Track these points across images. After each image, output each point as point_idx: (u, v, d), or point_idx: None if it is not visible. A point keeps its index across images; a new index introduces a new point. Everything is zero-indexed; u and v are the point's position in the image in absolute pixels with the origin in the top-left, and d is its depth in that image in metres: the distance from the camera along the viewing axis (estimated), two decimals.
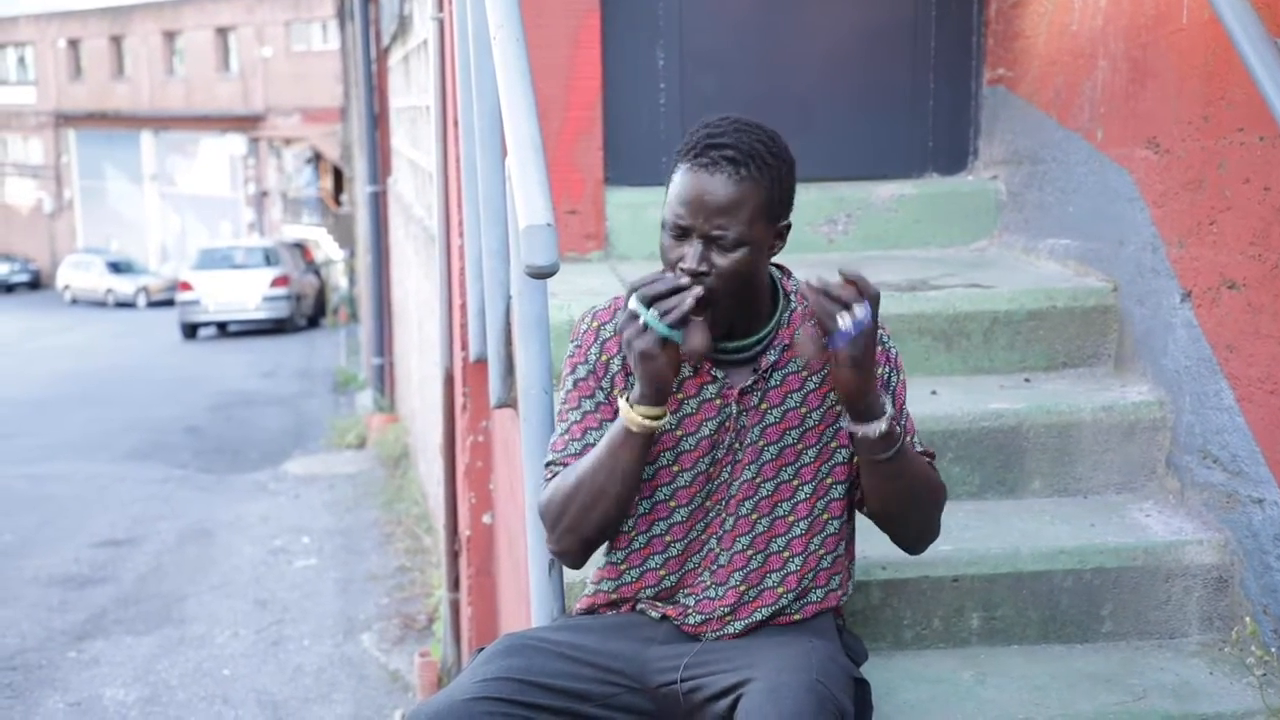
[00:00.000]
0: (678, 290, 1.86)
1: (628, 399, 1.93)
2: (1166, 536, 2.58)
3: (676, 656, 2.03)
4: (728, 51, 3.87)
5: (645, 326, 1.85)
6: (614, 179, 3.77)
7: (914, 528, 2.11)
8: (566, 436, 2.07)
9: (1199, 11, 2.65)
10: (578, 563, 2.08)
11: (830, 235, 3.79)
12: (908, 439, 2.03)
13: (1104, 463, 2.80)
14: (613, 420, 2.03)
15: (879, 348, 2.08)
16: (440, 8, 4.73)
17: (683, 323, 1.85)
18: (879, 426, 1.92)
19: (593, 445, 2.03)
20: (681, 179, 1.93)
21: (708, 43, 3.85)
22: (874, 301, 1.84)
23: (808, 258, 3.64)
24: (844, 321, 1.82)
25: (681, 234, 1.93)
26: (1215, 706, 2.27)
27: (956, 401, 2.82)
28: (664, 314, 1.84)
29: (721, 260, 1.91)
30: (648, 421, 1.92)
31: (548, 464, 2.09)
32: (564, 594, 2.29)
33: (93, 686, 6.04)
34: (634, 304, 1.86)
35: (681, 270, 1.91)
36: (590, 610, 2.15)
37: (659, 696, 2.02)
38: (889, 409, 1.95)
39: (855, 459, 2.05)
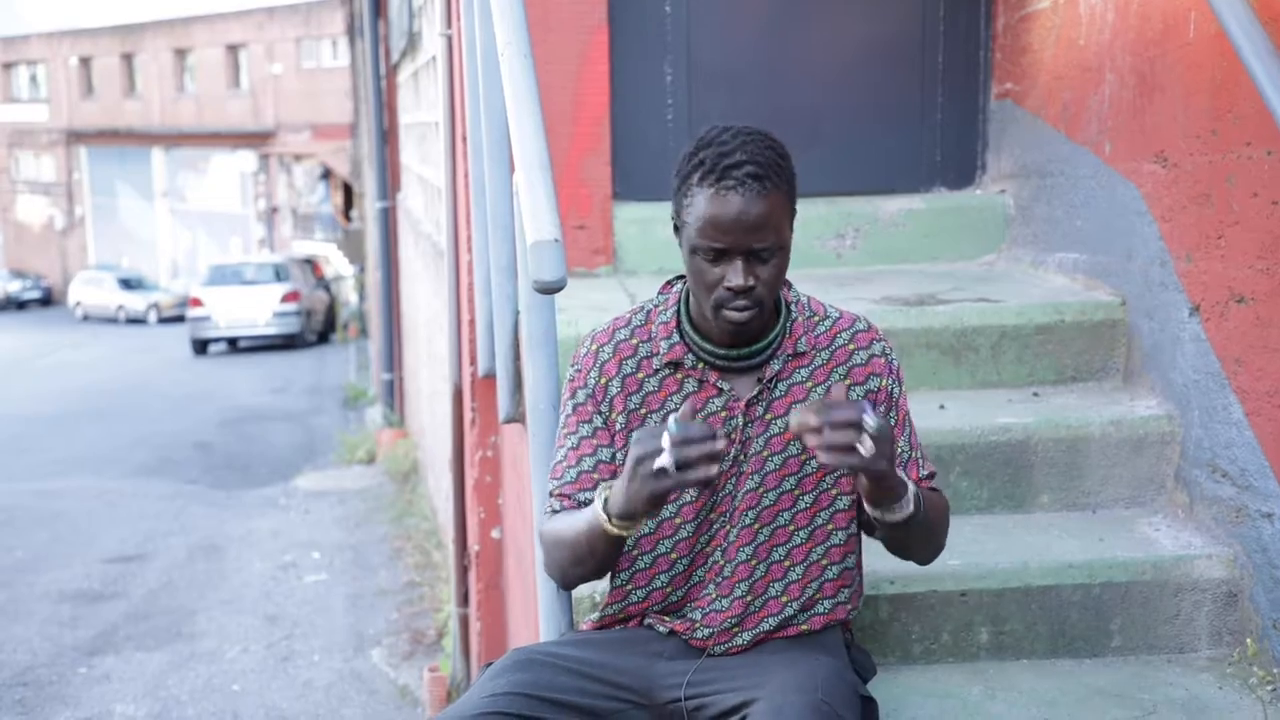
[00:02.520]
0: (707, 438, 1.77)
1: (605, 503, 1.88)
2: (1175, 551, 2.57)
3: (683, 673, 2.03)
4: (735, 67, 3.89)
5: (664, 470, 1.76)
6: (622, 194, 3.78)
7: (928, 555, 2.12)
8: (564, 464, 2.08)
9: (1206, 26, 2.65)
10: (566, 590, 2.17)
11: (838, 250, 3.79)
12: (920, 494, 1.96)
13: (1112, 477, 2.80)
14: (610, 444, 2.04)
15: (882, 359, 2.09)
16: (449, 24, 4.75)
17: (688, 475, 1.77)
18: (907, 509, 1.90)
19: (588, 472, 2.04)
20: (709, 204, 1.90)
21: (715, 58, 3.86)
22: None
23: (816, 272, 3.65)
24: (865, 447, 1.77)
25: (718, 255, 1.93)
26: None
27: (965, 415, 2.82)
28: (683, 464, 1.76)
29: (764, 270, 1.92)
30: (620, 532, 1.89)
31: (550, 494, 2.09)
32: (572, 609, 2.29)
33: (103, 702, 6.04)
34: (665, 438, 1.77)
35: (725, 290, 1.92)
36: (599, 627, 2.15)
37: (665, 713, 2.01)
38: (910, 487, 1.91)
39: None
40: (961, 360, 3.05)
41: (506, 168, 2.89)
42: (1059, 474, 2.79)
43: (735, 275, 1.91)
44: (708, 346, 2.03)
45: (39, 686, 6.27)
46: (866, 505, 1.92)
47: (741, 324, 1.95)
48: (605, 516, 1.87)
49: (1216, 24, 2.47)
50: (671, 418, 1.78)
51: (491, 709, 1.90)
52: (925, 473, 2.12)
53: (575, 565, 2.00)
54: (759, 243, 1.90)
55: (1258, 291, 2.50)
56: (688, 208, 1.94)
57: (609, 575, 2.12)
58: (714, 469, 1.76)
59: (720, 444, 1.75)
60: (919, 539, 2.03)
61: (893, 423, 2.08)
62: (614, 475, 1.97)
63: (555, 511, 2.06)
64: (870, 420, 1.77)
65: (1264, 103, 2.29)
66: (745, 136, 1.94)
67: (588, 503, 2.00)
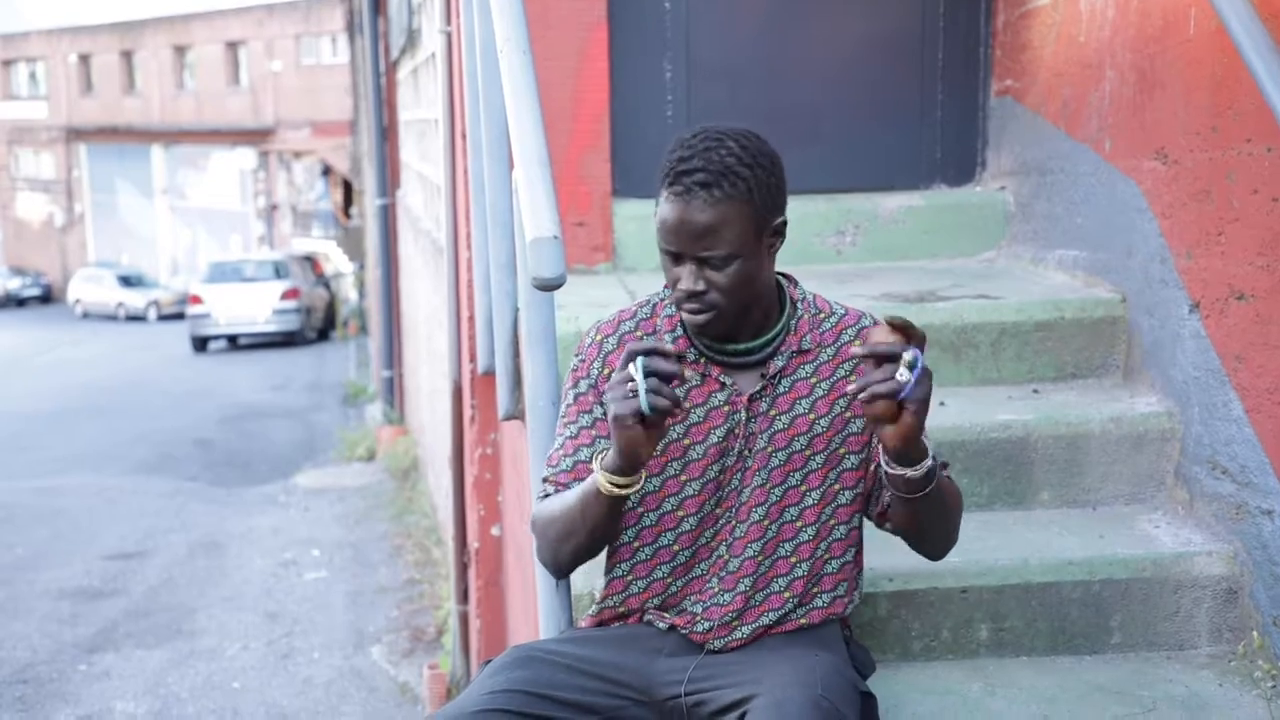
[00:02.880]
0: (670, 365, 1.79)
1: (600, 461, 1.91)
2: (1175, 548, 2.57)
3: (683, 669, 2.03)
4: (735, 63, 3.88)
5: (634, 393, 1.79)
6: (621, 191, 3.77)
7: (942, 542, 2.10)
8: (561, 452, 2.08)
9: (1206, 22, 2.65)
10: (559, 577, 2.16)
11: (838, 247, 3.79)
12: (933, 462, 1.95)
13: (1113, 474, 2.80)
14: (608, 437, 2.03)
15: None
16: (448, 21, 4.75)
17: (667, 410, 1.79)
18: (926, 464, 1.88)
19: (584, 462, 2.04)
20: (662, 207, 1.93)
21: (715, 54, 3.86)
22: (921, 343, 1.79)
23: (816, 269, 3.64)
24: (903, 375, 1.76)
25: (674, 258, 1.95)
26: (1225, 718, 2.26)
27: (965, 412, 2.82)
28: (652, 391, 1.78)
29: (718, 276, 1.92)
30: (616, 490, 1.89)
31: (543, 479, 2.10)
32: (571, 606, 2.29)
33: (103, 700, 6.04)
34: (633, 368, 1.80)
35: (680, 291, 1.94)
36: (599, 623, 2.15)
37: (665, 710, 2.01)
38: (930, 447, 1.90)
39: (866, 468, 2.05)
40: (961, 357, 3.05)
41: (506, 165, 2.89)
42: (1059, 471, 2.79)
43: (686, 279, 1.93)
44: (710, 341, 2.03)
45: (39, 684, 6.27)
46: (890, 463, 1.89)
47: (698, 326, 1.97)
48: (599, 472, 1.88)
49: (1216, 20, 2.47)
50: (635, 359, 1.80)
51: (490, 706, 1.90)
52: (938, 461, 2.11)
53: (567, 539, 2.00)
54: (705, 250, 1.90)
55: (1258, 288, 2.50)
56: (657, 207, 1.96)
57: (609, 568, 2.12)
58: (678, 394, 1.79)
59: (670, 347, 1.79)
60: (937, 515, 1.99)
61: None
62: None
63: (548, 496, 2.07)
64: (909, 355, 1.76)
65: (1264, 99, 2.28)
66: (713, 142, 1.92)
67: None
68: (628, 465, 1.87)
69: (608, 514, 1.94)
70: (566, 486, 2.04)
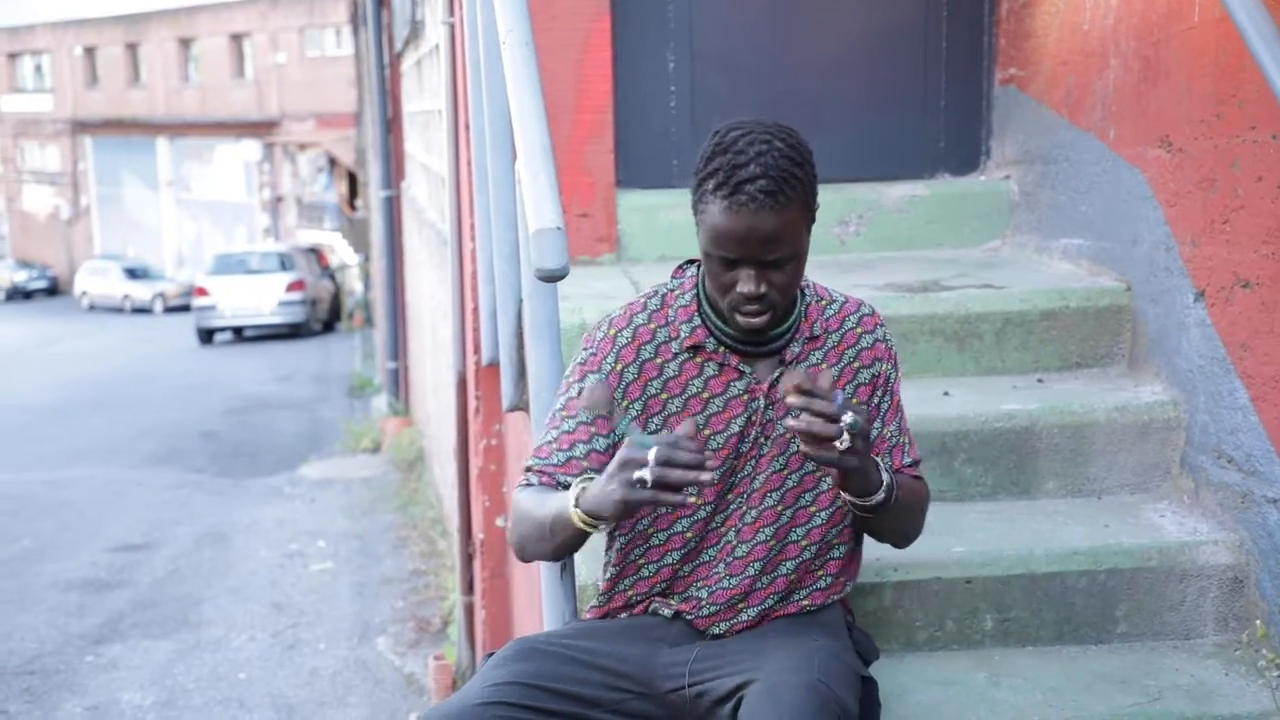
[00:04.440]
0: (693, 467, 1.74)
1: (579, 494, 1.87)
2: (1181, 537, 2.57)
3: (685, 661, 2.03)
4: (738, 53, 3.87)
5: (645, 482, 1.74)
6: (625, 182, 3.77)
7: (900, 540, 2.17)
8: (554, 445, 2.05)
9: (1210, 9, 2.64)
10: (521, 560, 2.14)
11: (842, 237, 3.78)
12: (897, 483, 2.02)
13: (1118, 463, 2.79)
14: (608, 436, 2.02)
15: (884, 344, 2.11)
16: (451, 12, 4.74)
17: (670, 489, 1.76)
18: (877, 497, 1.96)
19: (578, 459, 2.02)
20: (721, 216, 1.88)
21: (718, 45, 3.85)
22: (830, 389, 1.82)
23: (820, 259, 3.61)
24: (843, 443, 1.80)
25: (731, 264, 1.92)
26: (1231, 708, 2.26)
27: (969, 402, 2.81)
28: (662, 482, 1.73)
29: (779, 277, 1.92)
30: (589, 528, 1.88)
31: (527, 468, 2.07)
32: (576, 597, 2.29)
33: (110, 690, 6.06)
34: (652, 455, 1.73)
35: (738, 294, 1.92)
36: (607, 612, 2.15)
37: (668, 702, 2.01)
38: (885, 477, 1.97)
39: None
40: (966, 347, 3.04)
41: (509, 156, 2.88)
42: (1064, 460, 2.78)
43: (748, 283, 1.91)
44: (728, 330, 2.03)
45: (46, 675, 6.29)
46: (842, 495, 1.99)
47: (756, 328, 1.96)
48: (575, 509, 1.86)
49: (1220, 7, 2.46)
50: (665, 434, 1.79)
51: (494, 698, 1.90)
52: (909, 460, 2.14)
53: (537, 542, 2.00)
54: (772, 254, 1.89)
55: (1263, 276, 2.49)
56: (702, 212, 1.92)
57: (621, 552, 2.11)
58: (690, 498, 1.79)
59: (706, 476, 1.73)
60: (887, 525, 2.09)
61: (886, 408, 2.12)
62: (602, 466, 1.94)
63: (531, 485, 2.05)
64: (849, 418, 1.79)
65: (1269, 86, 2.28)
66: (763, 144, 1.88)
67: (567, 485, 1.98)
68: (610, 519, 1.84)
69: (576, 538, 1.94)
70: (553, 479, 2.02)
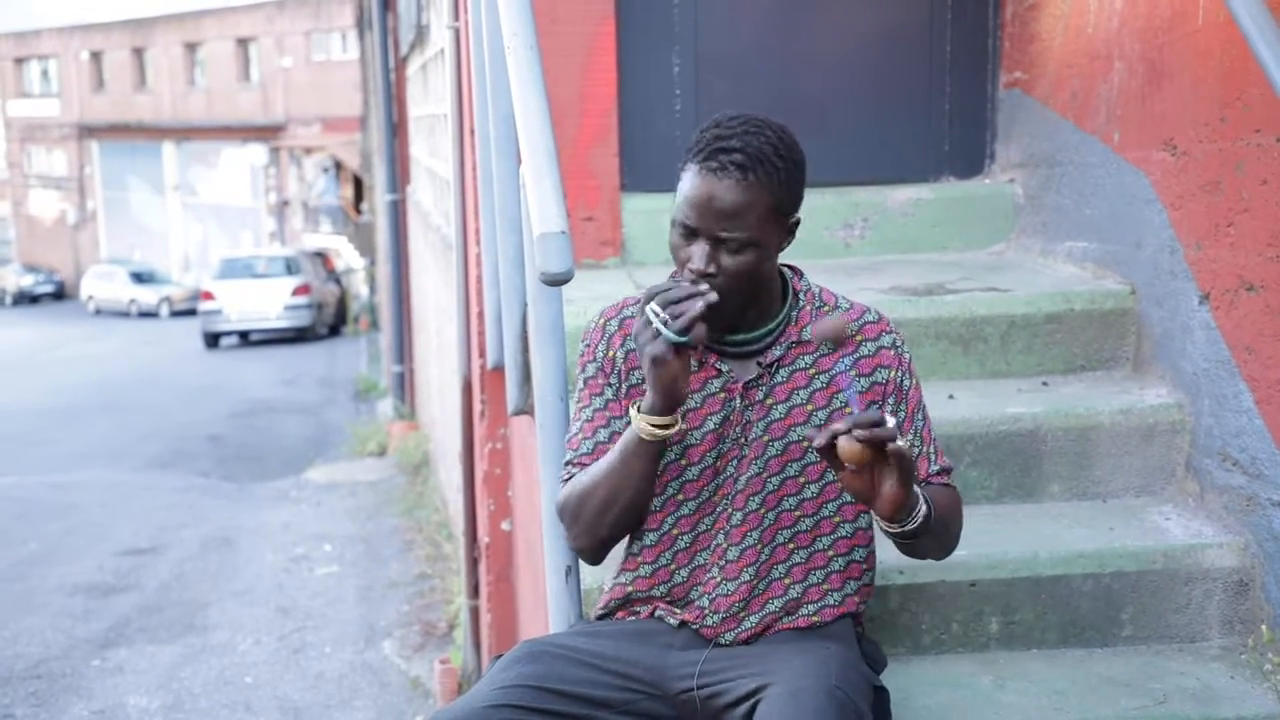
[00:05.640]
0: (691, 296, 1.86)
1: (638, 407, 1.95)
2: (1186, 540, 2.57)
3: (695, 663, 2.03)
4: (743, 56, 3.88)
5: (657, 332, 1.86)
6: (630, 185, 3.77)
7: (939, 554, 2.11)
8: (580, 435, 2.11)
9: (1215, 12, 2.64)
10: (596, 560, 2.12)
11: (847, 240, 3.79)
12: (929, 500, 1.95)
13: (1123, 466, 2.79)
14: (622, 416, 2.07)
15: (890, 351, 2.09)
16: (456, 17, 4.75)
17: (691, 327, 1.85)
18: (916, 521, 1.89)
19: (604, 443, 2.06)
20: (690, 180, 1.94)
21: (723, 48, 3.85)
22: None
23: (824, 263, 3.64)
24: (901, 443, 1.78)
25: (689, 234, 1.95)
26: (1237, 710, 2.26)
27: (974, 405, 2.81)
28: (674, 318, 1.85)
29: (729, 261, 1.93)
30: (657, 430, 1.93)
31: (566, 463, 2.12)
32: (581, 599, 2.29)
33: (116, 695, 6.06)
34: (649, 310, 1.87)
35: (689, 270, 1.93)
36: (609, 610, 2.16)
37: (678, 703, 2.02)
38: (922, 505, 1.89)
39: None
40: (970, 350, 3.04)
41: (514, 160, 2.88)
42: (1069, 463, 2.78)
43: (697, 259, 1.93)
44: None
45: (52, 679, 6.30)
46: (878, 521, 1.91)
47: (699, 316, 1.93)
48: (639, 415, 1.93)
49: (1225, 10, 2.46)
50: (647, 303, 1.88)
51: (501, 701, 1.90)
52: (937, 467, 2.10)
53: (606, 510, 2.01)
54: (726, 231, 1.91)
55: (1268, 279, 2.49)
56: (679, 182, 1.97)
57: (624, 542, 2.12)
58: (700, 303, 1.84)
59: (702, 286, 1.86)
60: (930, 545, 2.02)
61: (902, 416, 2.08)
62: None
63: (573, 478, 2.08)
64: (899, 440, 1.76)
65: (1272, 89, 2.28)
66: (753, 127, 1.94)
67: None
68: (668, 402, 1.91)
69: (650, 465, 1.97)
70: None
